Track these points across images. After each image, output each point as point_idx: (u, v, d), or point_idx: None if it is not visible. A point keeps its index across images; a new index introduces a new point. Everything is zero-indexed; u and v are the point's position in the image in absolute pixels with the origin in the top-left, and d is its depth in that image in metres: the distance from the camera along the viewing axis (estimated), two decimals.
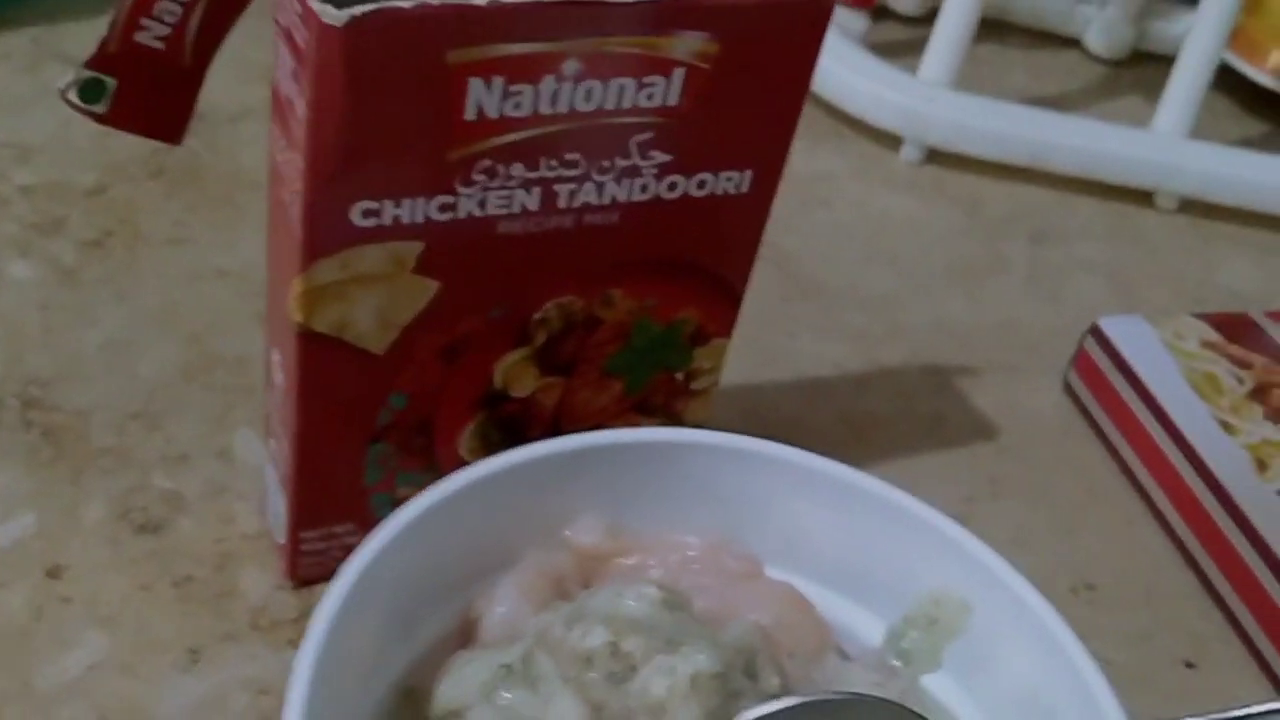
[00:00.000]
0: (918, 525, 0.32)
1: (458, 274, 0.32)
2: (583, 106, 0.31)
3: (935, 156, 0.62)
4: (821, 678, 0.31)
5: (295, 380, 0.33)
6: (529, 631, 0.30)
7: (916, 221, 0.58)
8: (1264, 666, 0.40)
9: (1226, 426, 0.44)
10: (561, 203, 0.32)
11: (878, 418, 0.46)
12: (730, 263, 0.37)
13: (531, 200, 0.32)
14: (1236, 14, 0.61)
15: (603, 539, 0.33)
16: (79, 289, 0.46)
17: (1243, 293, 0.58)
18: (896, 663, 0.32)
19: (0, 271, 0.46)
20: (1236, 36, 0.68)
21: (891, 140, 0.63)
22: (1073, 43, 0.76)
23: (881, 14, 0.72)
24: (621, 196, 0.33)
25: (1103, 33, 0.74)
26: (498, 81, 0.29)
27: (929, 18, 0.63)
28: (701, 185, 0.34)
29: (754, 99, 0.33)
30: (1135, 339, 0.48)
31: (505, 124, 0.30)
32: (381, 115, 0.29)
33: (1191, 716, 0.28)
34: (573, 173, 0.32)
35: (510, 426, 0.37)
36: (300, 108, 0.29)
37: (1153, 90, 0.64)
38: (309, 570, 0.36)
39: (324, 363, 0.32)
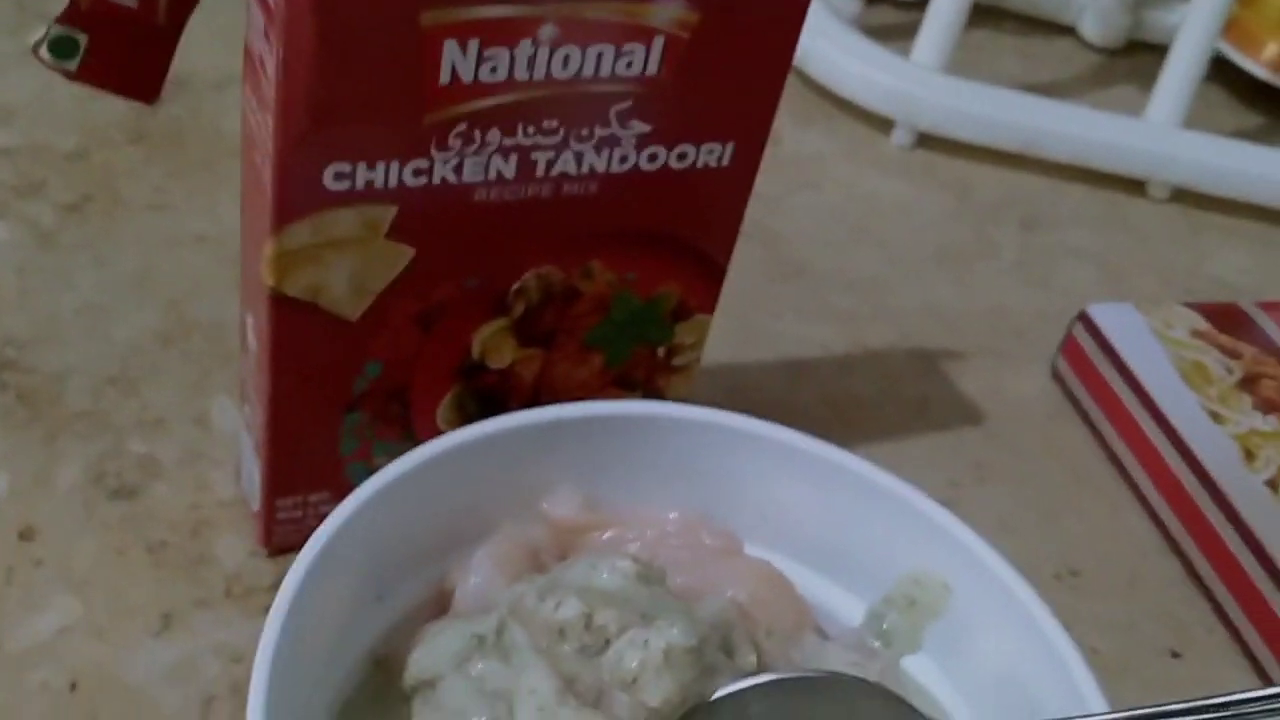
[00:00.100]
0: (899, 506, 0.32)
1: (433, 241, 0.32)
2: (560, 73, 0.30)
3: (926, 141, 0.62)
4: (799, 656, 0.30)
5: (268, 345, 0.32)
6: (502, 602, 0.29)
7: (906, 205, 0.58)
8: (1249, 655, 0.40)
9: (1215, 416, 0.44)
10: (539, 171, 0.32)
11: (863, 400, 0.46)
12: (712, 237, 0.36)
13: (508, 168, 0.31)
14: (1232, 5, 0.61)
15: (579, 512, 0.33)
16: (57, 252, 0.45)
17: (1233, 283, 0.57)
18: (876, 643, 0.32)
19: None
20: (1232, 27, 0.67)
21: (882, 123, 0.62)
22: (1067, 30, 0.75)
23: None
24: (600, 167, 0.33)
25: (1098, 21, 0.74)
26: (473, 45, 0.29)
27: (922, 2, 0.62)
28: (682, 157, 0.33)
29: (735, 70, 0.32)
30: (1124, 327, 0.47)
31: (481, 89, 0.30)
32: (353, 75, 0.28)
33: (1176, 703, 0.27)
34: (550, 141, 0.31)
35: (489, 398, 0.36)
36: (271, 66, 0.28)
37: (1147, 79, 0.63)
38: (284, 538, 0.36)
39: (297, 327, 0.32)
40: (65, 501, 0.37)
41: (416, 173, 0.30)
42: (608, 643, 0.28)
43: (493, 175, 0.31)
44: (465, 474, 0.31)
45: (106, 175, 0.49)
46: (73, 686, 0.32)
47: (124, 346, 0.42)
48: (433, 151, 0.30)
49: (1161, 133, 0.62)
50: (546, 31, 0.29)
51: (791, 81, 0.33)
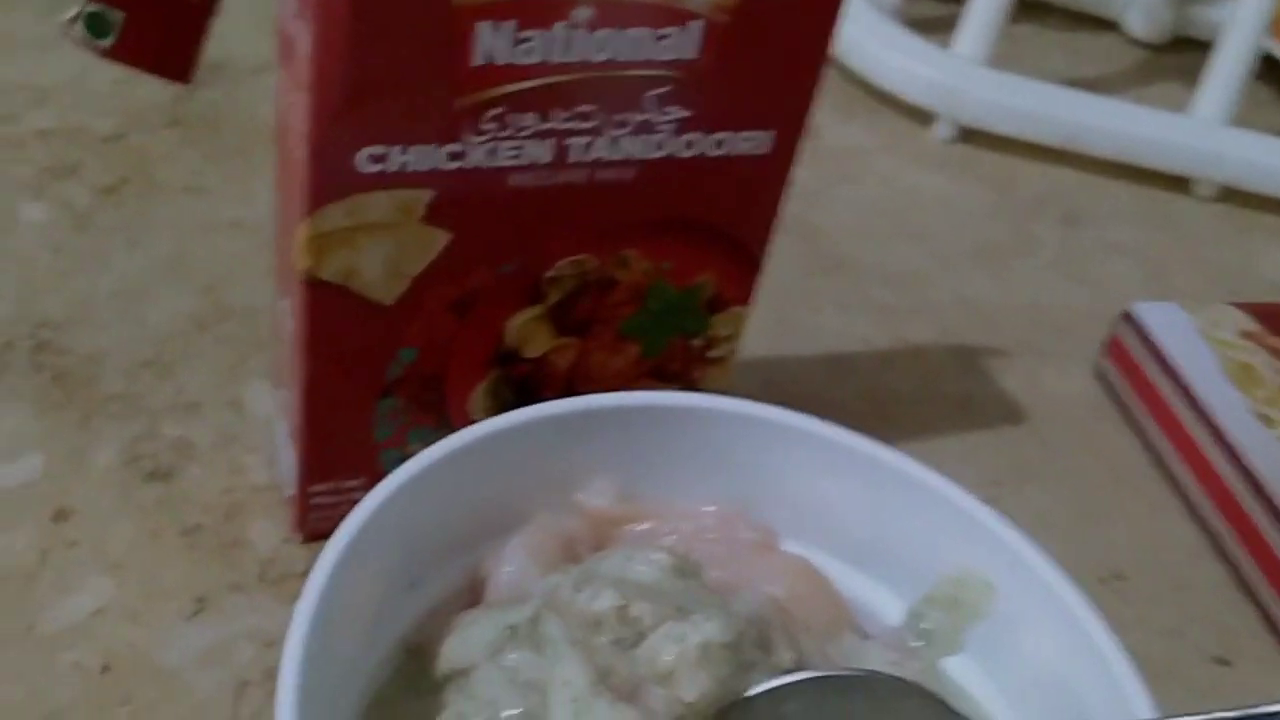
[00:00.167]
0: (942, 503, 0.31)
1: (467, 226, 0.32)
2: (595, 56, 0.30)
3: (967, 135, 0.61)
4: (837, 655, 0.30)
5: (303, 329, 0.32)
6: (536, 593, 0.29)
7: (947, 199, 0.57)
8: None
9: (1264, 419, 0.43)
10: (574, 157, 0.31)
11: (902, 396, 0.45)
12: (750, 227, 0.35)
13: (543, 153, 0.31)
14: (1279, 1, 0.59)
15: (614, 503, 0.32)
16: (92, 234, 0.45)
17: None
18: (916, 643, 0.31)
19: (14, 214, 0.45)
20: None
21: (923, 117, 0.61)
22: (1111, 26, 0.74)
23: None
24: (637, 153, 0.32)
25: (1143, 16, 0.73)
26: (507, 26, 0.28)
27: None
28: (720, 144, 0.33)
29: (775, 55, 0.32)
30: (1170, 326, 0.46)
31: (515, 71, 0.29)
32: (386, 55, 0.28)
33: (1223, 712, 0.27)
34: (586, 126, 0.31)
35: (523, 387, 0.36)
36: (304, 45, 0.28)
37: (1192, 76, 0.62)
38: (318, 524, 0.36)
39: (331, 312, 0.32)
40: (100, 483, 0.37)
41: (450, 156, 0.30)
42: (643, 636, 0.27)
43: (527, 160, 0.31)
44: (500, 462, 0.31)
45: (142, 159, 0.49)
46: (105, 668, 0.32)
47: (159, 330, 0.42)
48: (466, 135, 0.30)
49: (1207, 130, 0.61)
50: (582, 13, 0.29)
51: (831, 74, 0.33)
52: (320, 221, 0.30)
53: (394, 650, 0.29)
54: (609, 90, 0.31)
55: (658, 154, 0.32)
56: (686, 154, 0.33)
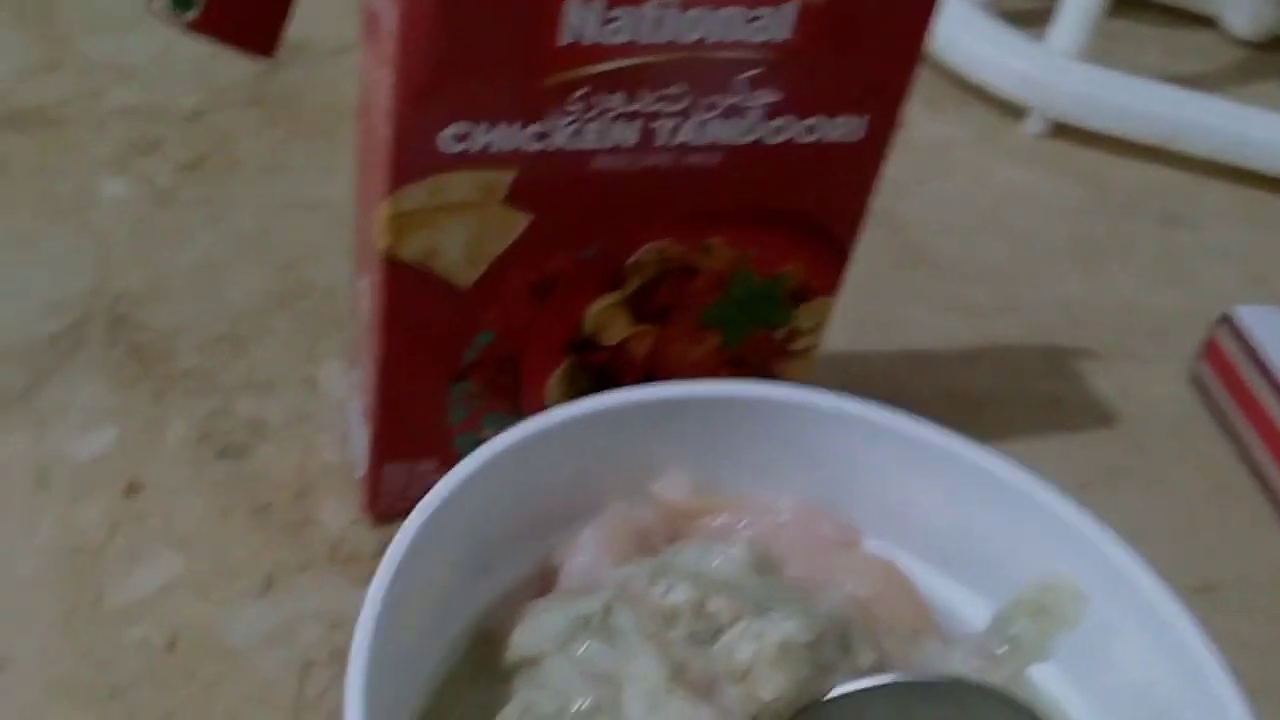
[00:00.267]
0: (1033, 505, 0.30)
1: (549, 208, 0.31)
2: (686, 36, 0.29)
3: (1060, 130, 0.59)
4: (919, 659, 0.29)
5: (381, 309, 0.31)
6: (609, 584, 0.28)
7: (1038, 195, 0.56)
8: None
9: None
10: (660, 140, 0.31)
11: (989, 395, 0.44)
12: (838, 217, 0.34)
13: (629, 135, 0.30)
14: None
15: (690, 495, 0.31)
16: (172, 210, 0.45)
17: None
18: (1001, 649, 0.30)
19: (96, 189, 0.46)
20: None
21: (1014, 111, 0.60)
22: (1209, 23, 0.72)
23: None
24: (725, 137, 0.31)
25: (1244, 13, 0.70)
26: (596, 4, 0.28)
27: None
28: (811, 130, 0.32)
29: (870, 39, 0.31)
30: (1271, 330, 0.45)
31: (602, 51, 0.29)
32: (472, 32, 0.27)
33: None
34: (674, 108, 0.30)
35: (600, 374, 0.35)
36: (390, 21, 0.27)
37: None
38: (388, 506, 0.35)
39: (410, 292, 0.31)
40: (172, 458, 0.37)
41: (535, 137, 0.29)
42: (719, 632, 0.26)
43: (612, 142, 0.30)
44: (574, 450, 0.30)
45: (224, 136, 0.49)
46: (171, 644, 0.32)
47: (235, 307, 0.42)
48: (552, 115, 0.29)
49: None
50: None
51: (921, 66, 0.32)
52: (401, 200, 0.29)
53: (463, 636, 0.29)
54: (698, 72, 0.30)
55: (746, 139, 0.31)
56: (776, 139, 0.32)
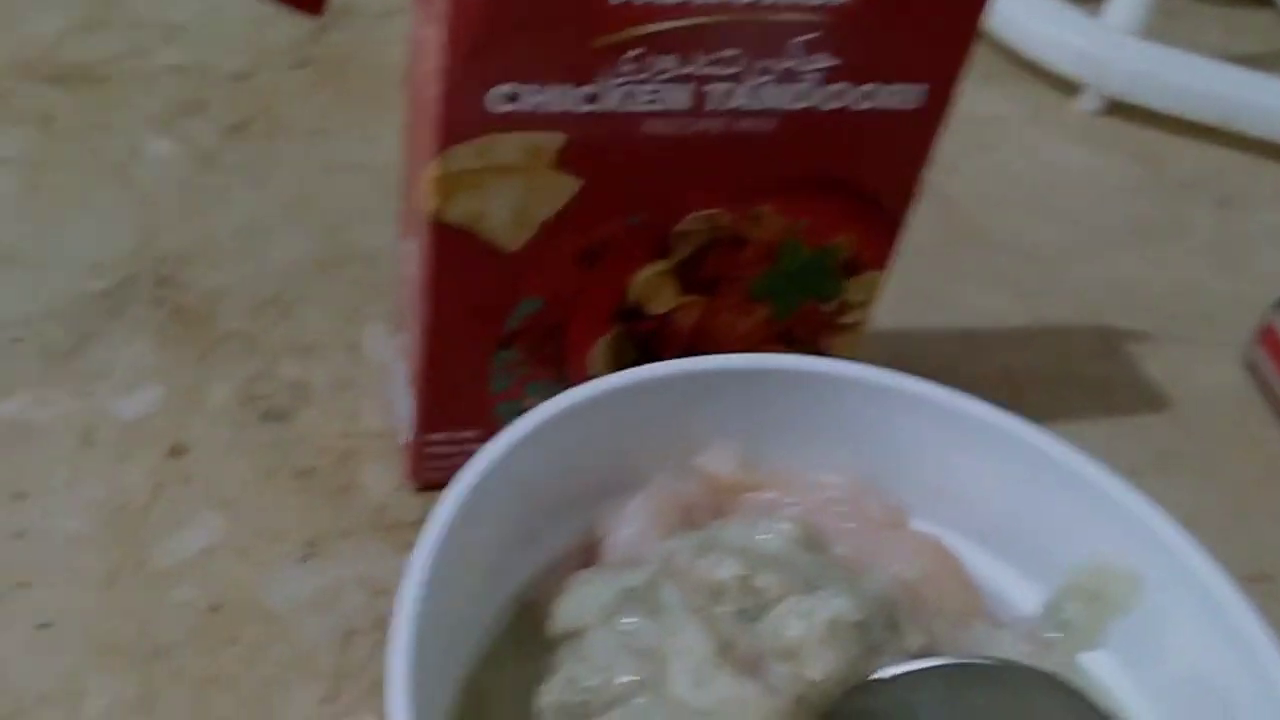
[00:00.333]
0: (1087, 487, 0.29)
1: (598, 173, 0.30)
2: None
3: (1115, 108, 0.58)
4: (968, 642, 0.28)
5: (426, 272, 0.31)
6: (654, 557, 0.28)
7: (1091, 175, 0.55)
8: None
9: None
10: (712, 104, 0.30)
11: (1039, 376, 0.43)
12: (892, 187, 0.34)
13: (680, 98, 0.30)
14: None
15: (736, 470, 0.31)
16: (217, 171, 0.45)
17: None
18: (1052, 635, 0.29)
19: (141, 148, 0.46)
20: None
21: (1069, 88, 0.59)
22: (1271, 2, 0.70)
23: None
24: (779, 103, 0.31)
25: None
26: None
27: None
28: (867, 97, 0.31)
29: (931, 3, 0.30)
30: None
31: (655, 11, 0.28)
32: None
33: None
34: (727, 71, 0.30)
35: (646, 345, 0.35)
36: None
37: None
38: (432, 474, 0.35)
39: (456, 256, 0.31)
40: (216, 420, 0.37)
41: (585, 99, 0.29)
42: (766, 608, 0.26)
43: (664, 106, 0.30)
44: (619, 421, 0.30)
45: (269, 98, 0.49)
46: (214, 607, 0.32)
47: (279, 269, 0.42)
48: (602, 77, 0.29)
49: None
50: None
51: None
52: (449, 161, 0.29)
53: (507, 606, 0.28)
54: (753, 34, 0.29)
55: (800, 105, 0.31)
56: (831, 106, 0.31)
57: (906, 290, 0.44)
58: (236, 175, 0.45)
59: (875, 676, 0.25)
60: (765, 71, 0.30)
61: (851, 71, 0.30)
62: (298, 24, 0.38)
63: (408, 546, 0.25)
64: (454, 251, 0.31)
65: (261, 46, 0.51)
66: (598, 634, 0.26)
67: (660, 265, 0.33)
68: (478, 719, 0.26)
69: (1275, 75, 0.61)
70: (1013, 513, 0.30)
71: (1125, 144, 0.57)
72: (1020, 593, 0.30)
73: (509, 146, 0.29)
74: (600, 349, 0.34)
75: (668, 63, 0.29)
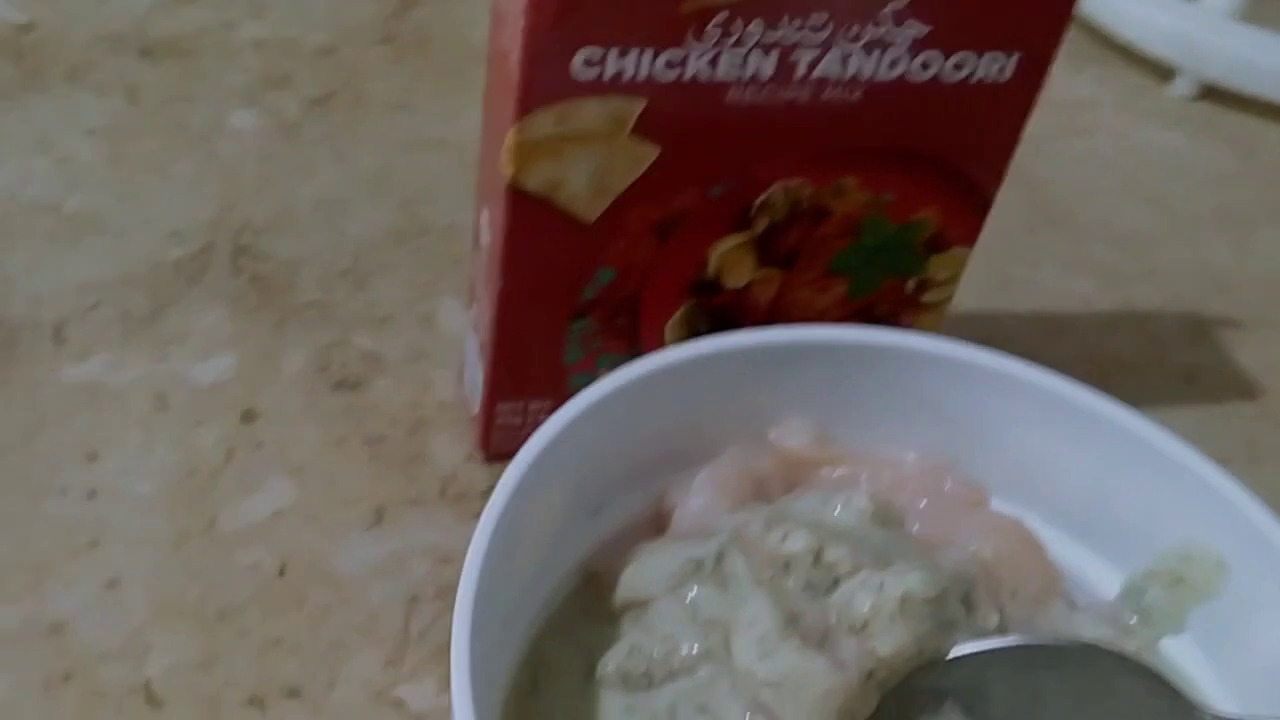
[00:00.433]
0: (1175, 471, 0.28)
1: (679, 142, 0.30)
2: None
3: (1209, 92, 0.57)
4: (1045, 624, 0.27)
5: (502, 240, 0.31)
6: (724, 529, 0.27)
7: (1184, 160, 0.53)
8: None
9: None
10: (799, 73, 0.29)
11: (1125, 362, 0.42)
12: (981, 162, 0.33)
13: (766, 66, 0.29)
14: None
15: (810, 444, 0.30)
16: (299, 144, 0.45)
17: None
18: (1132, 619, 0.28)
19: (224, 120, 0.46)
20: None
21: (1162, 71, 0.57)
22: None
23: None
24: (867, 72, 0.30)
25: None
26: None
27: None
28: (959, 67, 0.30)
29: None
30: None
31: None
32: None
33: None
34: (815, 39, 0.29)
35: (721, 318, 0.34)
36: None
37: None
38: (502, 444, 0.35)
39: (532, 225, 0.31)
40: (289, 388, 0.37)
41: (669, 65, 0.28)
42: (836, 582, 0.25)
43: (749, 73, 0.29)
44: (691, 392, 0.29)
45: (352, 73, 0.49)
46: (281, 570, 0.32)
47: (357, 241, 0.42)
48: (688, 42, 0.28)
49: None
50: None
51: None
52: (529, 128, 0.29)
53: (572, 575, 0.28)
54: (842, 0, 0.28)
55: (889, 75, 0.30)
56: (921, 76, 0.30)
57: (991, 271, 0.43)
58: (317, 148, 0.45)
59: (948, 655, 0.25)
60: (854, 40, 0.29)
61: (942, 39, 0.30)
62: (382, 1, 0.38)
63: (475, 516, 0.24)
64: (531, 220, 0.30)
65: (345, 23, 0.51)
66: (663, 604, 0.26)
67: (739, 237, 0.33)
68: (540, 686, 0.26)
69: None
70: (1096, 495, 0.29)
71: (1218, 130, 0.55)
72: (1100, 577, 0.29)
73: (589, 113, 0.29)
74: (675, 322, 0.34)
75: (754, 29, 0.28)
